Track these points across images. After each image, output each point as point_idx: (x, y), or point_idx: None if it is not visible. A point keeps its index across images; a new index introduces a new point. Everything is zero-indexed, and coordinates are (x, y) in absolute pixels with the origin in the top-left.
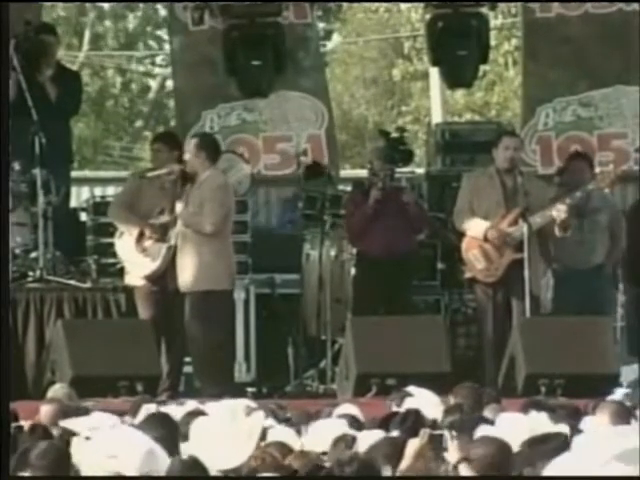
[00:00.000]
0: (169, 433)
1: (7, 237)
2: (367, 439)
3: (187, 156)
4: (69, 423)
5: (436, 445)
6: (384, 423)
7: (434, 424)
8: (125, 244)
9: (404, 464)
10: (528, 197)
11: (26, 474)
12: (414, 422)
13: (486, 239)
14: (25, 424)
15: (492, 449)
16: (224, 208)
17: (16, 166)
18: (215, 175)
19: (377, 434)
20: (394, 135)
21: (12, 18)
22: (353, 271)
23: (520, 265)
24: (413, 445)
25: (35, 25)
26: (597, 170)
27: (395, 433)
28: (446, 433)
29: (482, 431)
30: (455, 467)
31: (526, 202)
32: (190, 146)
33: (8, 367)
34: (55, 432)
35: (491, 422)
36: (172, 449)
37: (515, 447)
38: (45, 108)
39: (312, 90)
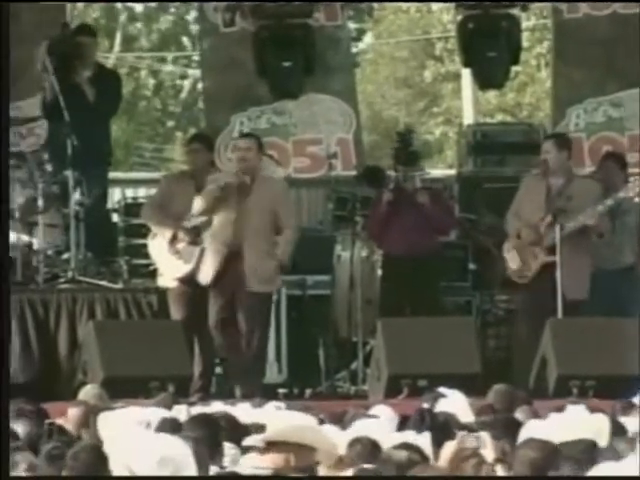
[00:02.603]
0: (211, 434)
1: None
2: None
3: (250, 156)
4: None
5: (472, 447)
6: (404, 424)
7: (464, 425)
8: (158, 246)
9: (441, 466)
10: (571, 200)
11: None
12: (431, 421)
13: (519, 238)
14: (55, 425)
15: (539, 452)
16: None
17: (48, 167)
18: (279, 178)
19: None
20: (402, 136)
21: (45, 20)
22: (380, 272)
23: (553, 268)
24: (449, 448)
25: (73, 27)
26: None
27: (413, 433)
28: (483, 434)
29: (527, 432)
30: (492, 467)
31: (566, 205)
32: (254, 146)
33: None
34: (83, 434)
35: (522, 424)
36: (213, 450)
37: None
38: (83, 109)
39: (341, 92)
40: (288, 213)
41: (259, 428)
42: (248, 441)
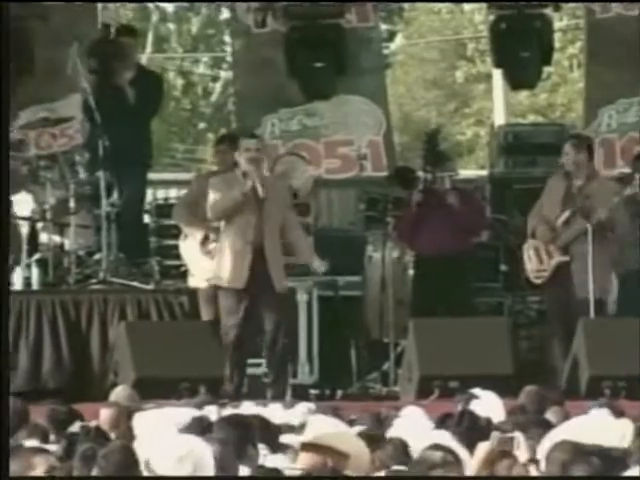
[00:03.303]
0: (241, 435)
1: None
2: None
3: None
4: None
5: (505, 448)
6: (440, 424)
7: (495, 426)
8: (189, 246)
9: (474, 467)
10: (589, 199)
11: (93, 474)
12: (470, 422)
13: (534, 237)
14: (88, 425)
15: (569, 454)
16: None
17: (80, 168)
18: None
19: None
20: (430, 137)
21: (77, 21)
22: (411, 272)
23: (568, 267)
24: (483, 448)
25: (114, 27)
26: None
27: (450, 434)
28: (517, 435)
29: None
30: (525, 468)
31: (583, 203)
32: (262, 147)
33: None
34: (114, 435)
35: (553, 424)
36: (242, 451)
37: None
38: (123, 111)
39: (372, 94)
40: (294, 213)
41: (291, 429)
42: (284, 439)
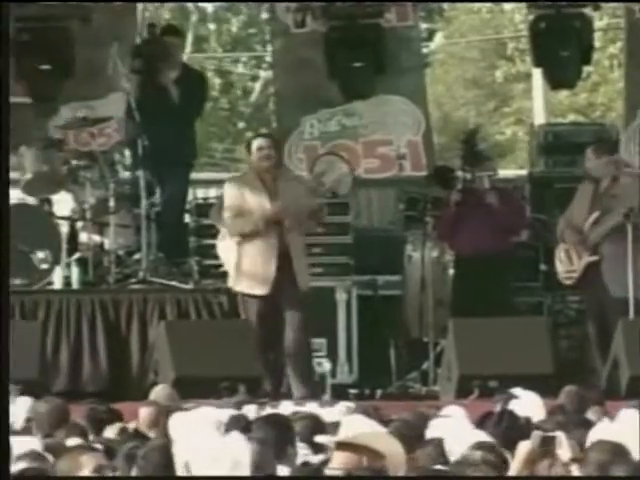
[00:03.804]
0: (280, 435)
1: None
2: (466, 441)
3: (273, 154)
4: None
5: (547, 447)
6: (479, 424)
7: (535, 426)
8: (227, 247)
9: (514, 467)
10: (615, 198)
11: (132, 474)
12: (510, 422)
13: (564, 241)
14: (129, 425)
15: (608, 455)
16: None
17: (120, 168)
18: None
19: (477, 435)
20: (468, 136)
21: (117, 21)
22: (452, 272)
23: (598, 268)
24: (524, 447)
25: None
26: None
27: (491, 434)
28: (559, 434)
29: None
30: (567, 467)
31: (610, 203)
32: (275, 145)
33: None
34: (153, 434)
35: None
36: (281, 451)
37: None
38: (167, 110)
39: (411, 93)
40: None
41: (333, 428)
42: (319, 439)
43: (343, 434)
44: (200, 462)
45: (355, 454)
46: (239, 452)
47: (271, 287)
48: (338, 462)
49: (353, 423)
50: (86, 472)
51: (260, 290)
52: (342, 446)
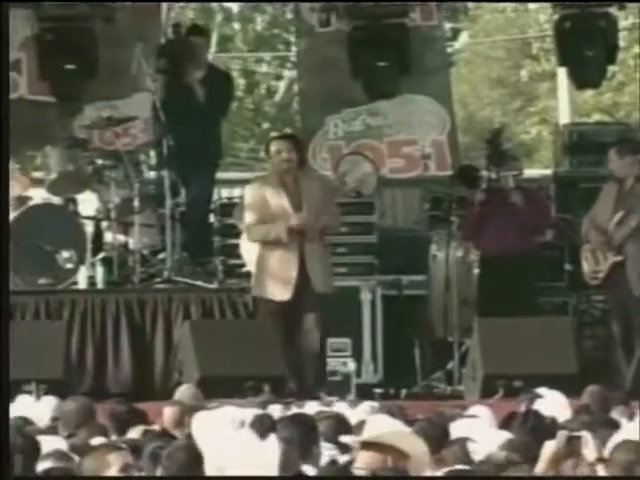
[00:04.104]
0: (305, 434)
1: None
2: (492, 440)
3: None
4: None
5: (573, 447)
6: (505, 424)
7: (561, 425)
8: (250, 247)
9: (540, 467)
10: (637, 199)
11: (157, 474)
12: (535, 422)
13: (589, 242)
14: (154, 425)
15: (633, 455)
16: None
17: (145, 168)
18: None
19: (501, 435)
20: (492, 136)
21: (141, 21)
22: (477, 272)
23: (623, 267)
24: (549, 448)
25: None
26: None
27: (517, 434)
28: (584, 434)
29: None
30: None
31: (634, 202)
32: (296, 146)
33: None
34: (177, 433)
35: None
36: (306, 450)
37: None
38: (193, 110)
39: (436, 93)
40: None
41: (358, 428)
42: (344, 439)
43: (368, 434)
44: (225, 461)
45: (380, 454)
46: (266, 452)
47: (292, 292)
48: (363, 462)
49: (378, 423)
50: (112, 471)
51: (281, 295)
52: (367, 446)
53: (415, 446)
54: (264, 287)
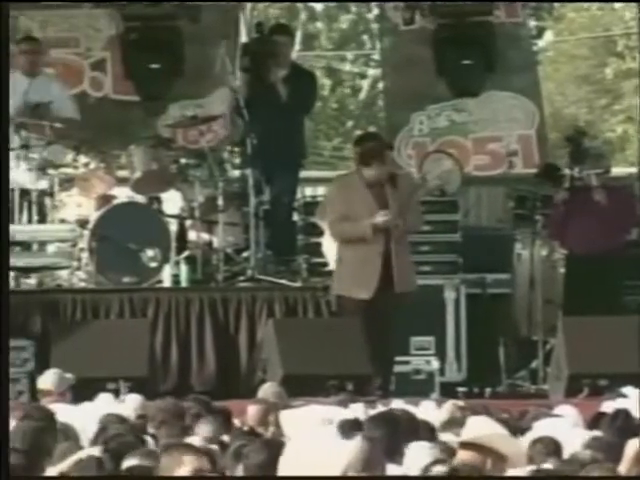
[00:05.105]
0: (391, 433)
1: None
2: (577, 440)
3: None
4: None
5: None
6: (593, 423)
7: None
8: (332, 245)
9: (624, 467)
10: None
11: (239, 473)
12: (624, 422)
13: None
14: (238, 423)
15: None
16: None
17: (228, 167)
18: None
19: (587, 435)
20: (574, 134)
21: (225, 20)
22: (562, 271)
23: None
24: (633, 447)
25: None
26: None
27: (605, 433)
28: None
29: None
30: None
31: None
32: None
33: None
34: (261, 431)
35: None
36: (393, 449)
37: None
38: (276, 109)
39: (523, 89)
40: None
41: (442, 427)
42: (444, 437)
43: (468, 434)
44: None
45: (479, 455)
46: (352, 451)
47: (374, 291)
48: (462, 461)
49: (478, 424)
50: (183, 471)
51: (362, 294)
52: (466, 446)
53: (514, 449)
54: (344, 285)
